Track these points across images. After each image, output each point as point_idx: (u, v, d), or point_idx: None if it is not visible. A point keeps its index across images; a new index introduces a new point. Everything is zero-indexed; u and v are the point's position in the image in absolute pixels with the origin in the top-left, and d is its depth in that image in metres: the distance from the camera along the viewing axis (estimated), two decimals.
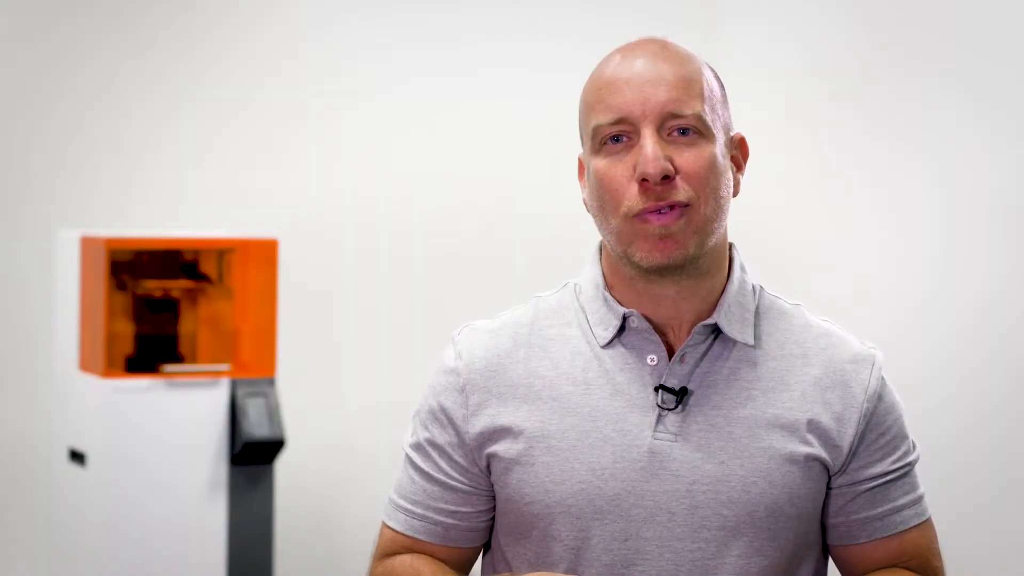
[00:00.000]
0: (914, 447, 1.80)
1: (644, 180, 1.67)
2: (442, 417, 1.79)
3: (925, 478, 1.82)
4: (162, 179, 4.76)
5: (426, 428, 1.80)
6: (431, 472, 1.79)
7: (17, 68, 4.61)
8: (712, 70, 1.76)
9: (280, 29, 4.88)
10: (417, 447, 1.81)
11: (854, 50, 4.63)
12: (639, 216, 1.68)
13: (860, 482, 1.75)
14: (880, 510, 1.76)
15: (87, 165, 4.68)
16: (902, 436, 1.78)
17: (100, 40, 4.68)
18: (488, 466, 1.77)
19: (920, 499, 1.79)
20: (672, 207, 1.67)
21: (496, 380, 1.77)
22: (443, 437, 1.78)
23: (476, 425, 1.76)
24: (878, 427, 1.76)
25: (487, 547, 1.84)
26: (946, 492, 4.09)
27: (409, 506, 1.80)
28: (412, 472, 1.81)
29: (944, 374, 4.22)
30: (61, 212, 4.61)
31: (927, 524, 1.80)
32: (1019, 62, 4.08)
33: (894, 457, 1.77)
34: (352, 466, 4.94)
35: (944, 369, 4.23)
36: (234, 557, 4.17)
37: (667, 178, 1.67)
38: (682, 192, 1.67)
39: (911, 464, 1.79)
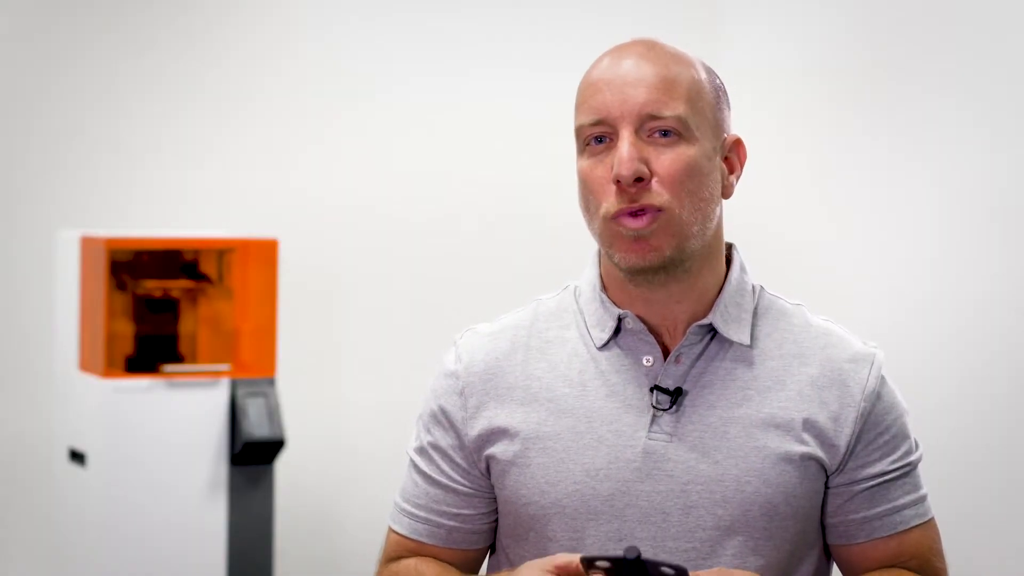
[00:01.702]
0: (916, 447, 1.79)
1: (619, 181, 1.67)
2: (443, 420, 1.79)
3: (925, 478, 1.82)
4: (162, 179, 4.76)
5: (428, 431, 1.81)
6: (433, 475, 1.80)
7: (17, 68, 4.61)
8: (708, 71, 1.75)
9: (280, 29, 4.88)
10: (420, 451, 1.82)
11: (854, 50, 4.63)
12: (615, 218, 1.68)
13: (858, 481, 1.75)
14: (879, 509, 1.75)
15: (87, 165, 4.68)
16: (903, 436, 1.77)
17: (100, 40, 4.68)
18: (487, 468, 1.77)
19: (922, 499, 1.78)
20: (646, 210, 1.67)
21: (494, 383, 1.77)
22: (445, 440, 1.79)
23: (475, 427, 1.77)
24: (876, 426, 1.75)
25: (492, 548, 1.84)
26: (946, 492, 4.09)
27: (413, 509, 1.81)
28: (415, 475, 1.82)
29: (944, 374, 4.22)
30: (61, 212, 4.61)
31: (929, 524, 1.79)
32: (1019, 62, 4.08)
33: (893, 457, 1.76)
34: (352, 466, 4.94)
35: (944, 369, 4.23)
36: (234, 557, 4.17)
37: (641, 180, 1.67)
38: (656, 195, 1.67)
39: (912, 464, 1.78)
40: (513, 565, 1.78)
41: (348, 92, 4.93)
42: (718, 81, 1.76)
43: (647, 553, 1.69)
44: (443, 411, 1.79)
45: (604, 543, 1.71)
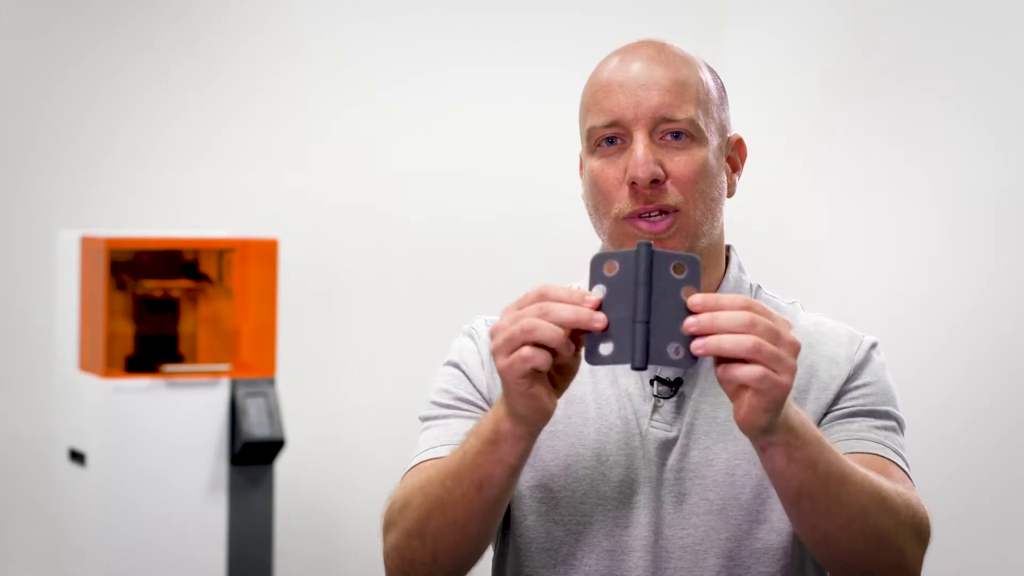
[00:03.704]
0: (897, 415, 1.76)
1: (634, 183, 1.70)
2: (465, 379, 1.79)
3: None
4: (162, 179, 4.76)
5: (448, 393, 1.79)
6: (471, 412, 1.77)
7: (17, 68, 4.61)
8: (711, 71, 1.78)
9: (280, 29, 4.89)
10: (444, 406, 1.79)
11: (854, 50, 4.63)
12: (629, 219, 1.71)
13: (825, 421, 1.73)
14: (836, 436, 1.71)
15: (87, 165, 4.68)
16: (882, 395, 1.75)
17: (100, 40, 4.68)
18: None
19: (893, 451, 1.71)
20: (661, 212, 1.70)
21: None
22: (474, 395, 1.79)
23: (494, 394, 1.78)
24: (855, 379, 1.75)
25: (495, 542, 1.83)
26: (946, 492, 4.09)
27: (450, 438, 1.74)
28: (448, 421, 1.77)
29: (944, 374, 4.22)
30: (61, 212, 4.61)
31: (899, 468, 1.71)
32: (1019, 62, 4.09)
33: (864, 401, 1.74)
34: (352, 466, 4.94)
35: (944, 369, 4.23)
36: (234, 557, 4.17)
37: (657, 182, 1.70)
38: (671, 196, 1.70)
39: (885, 411, 1.74)
40: (518, 549, 1.77)
41: (348, 92, 4.93)
42: (720, 81, 1.79)
43: (646, 540, 1.71)
44: (467, 374, 1.79)
45: (611, 528, 1.72)
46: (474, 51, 5.06)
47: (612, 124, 1.72)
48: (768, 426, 1.47)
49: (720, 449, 1.72)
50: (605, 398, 1.75)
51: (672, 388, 1.75)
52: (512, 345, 1.48)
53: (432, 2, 5.02)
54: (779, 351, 1.44)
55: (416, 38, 4.98)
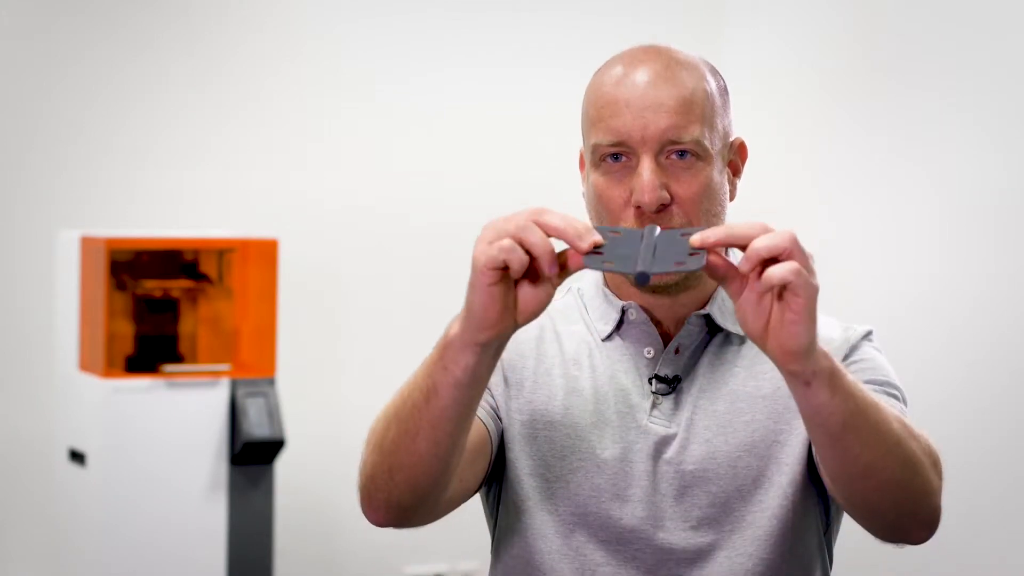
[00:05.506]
0: (899, 386, 1.75)
1: (639, 206, 1.69)
2: None
3: None
4: (162, 179, 4.76)
5: None
6: None
7: (17, 68, 4.61)
8: (714, 73, 1.77)
9: (280, 29, 4.88)
10: None
11: (854, 50, 4.63)
12: None
13: None
14: None
15: (87, 165, 4.68)
16: (881, 370, 1.74)
17: (100, 40, 4.68)
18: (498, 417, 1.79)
19: (900, 412, 1.70)
20: None
21: (510, 351, 1.78)
22: None
23: (496, 375, 1.78)
24: (851, 356, 1.75)
25: (495, 527, 1.83)
26: (946, 492, 4.09)
27: None
28: None
29: (944, 374, 4.22)
30: (61, 212, 4.61)
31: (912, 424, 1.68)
32: (1019, 62, 4.09)
33: (863, 375, 1.72)
34: (352, 466, 4.91)
35: (944, 369, 4.23)
36: (234, 557, 4.17)
37: (663, 206, 1.70)
38: (676, 220, 1.70)
39: (886, 381, 1.73)
40: (512, 538, 1.78)
41: (348, 92, 4.93)
42: (722, 82, 1.78)
43: (646, 534, 1.73)
44: None
45: (605, 521, 1.74)
46: (474, 51, 5.06)
47: (618, 144, 1.71)
48: (810, 345, 1.45)
49: (721, 442, 1.73)
50: (603, 393, 1.76)
51: (670, 385, 1.76)
52: (497, 236, 1.48)
53: (432, 2, 5.02)
54: (805, 251, 1.44)
55: (416, 38, 4.98)
